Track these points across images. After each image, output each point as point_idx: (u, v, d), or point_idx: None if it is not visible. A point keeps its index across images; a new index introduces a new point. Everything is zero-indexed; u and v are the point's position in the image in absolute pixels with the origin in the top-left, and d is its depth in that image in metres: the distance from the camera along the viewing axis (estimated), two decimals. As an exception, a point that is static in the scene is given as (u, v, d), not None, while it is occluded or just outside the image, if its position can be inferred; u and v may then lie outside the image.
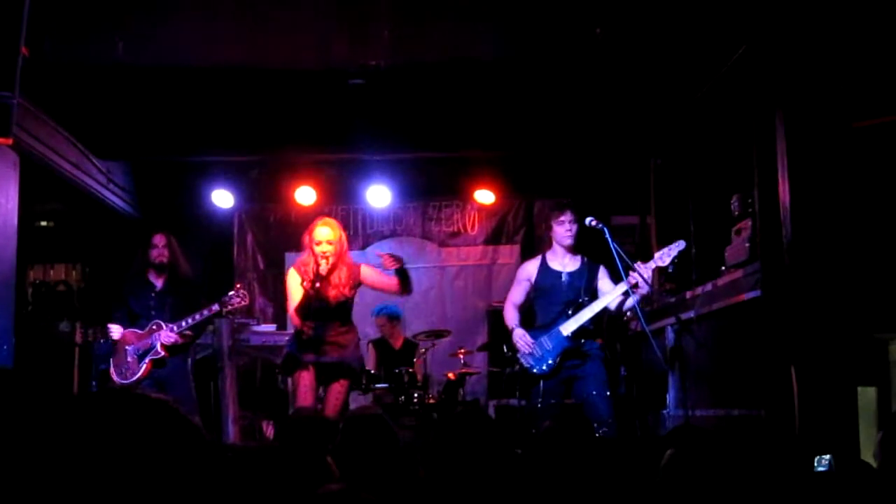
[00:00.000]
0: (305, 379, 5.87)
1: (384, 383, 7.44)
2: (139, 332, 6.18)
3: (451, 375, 7.94)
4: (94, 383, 7.32)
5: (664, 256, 5.96)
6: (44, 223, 9.17)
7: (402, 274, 5.86)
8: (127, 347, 6.15)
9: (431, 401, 7.62)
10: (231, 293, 6.05)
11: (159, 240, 6.28)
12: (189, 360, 6.52)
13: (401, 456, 3.28)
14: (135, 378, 6.08)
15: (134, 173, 8.78)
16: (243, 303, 6.10)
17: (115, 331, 6.20)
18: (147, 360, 6.10)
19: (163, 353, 6.10)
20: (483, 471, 2.93)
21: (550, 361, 5.92)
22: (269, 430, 8.07)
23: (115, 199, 8.35)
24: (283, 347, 6.60)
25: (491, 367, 8.66)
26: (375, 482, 3.03)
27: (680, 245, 5.97)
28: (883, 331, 4.89)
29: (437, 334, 8.16)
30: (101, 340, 7.32)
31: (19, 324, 6.65)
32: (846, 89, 4.97)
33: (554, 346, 5.93)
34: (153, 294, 6.28)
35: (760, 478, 3.04)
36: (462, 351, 8.06)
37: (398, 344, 8.29)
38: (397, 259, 5.81)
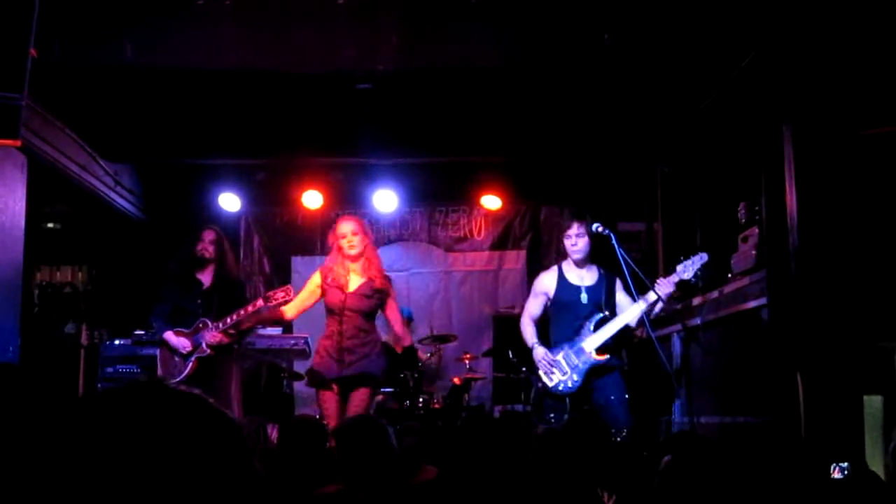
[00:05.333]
0: (330, 402, 5.82)
1: (389, 388, 7.42)
2: (184, 330, 6.08)
3: (456, 380, 7.94)
4: (99, 385, 7.30)
5: (687, 269, 5.75)
6: (51, 225, 9.18)
7: (408, 349, 6.12)
8: (173, 346, 6.08)
9: (436, 405, 7.61)
10: (275, 289, 6.00)
11: (207, 234, 6.19)
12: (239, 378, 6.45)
13: (396, 459, 3.27)
14: (182, 376, 6.01)
15: (141, 176, 8.80)
16: (287, 298, 5.99)
17: (163, 330, 6.13)
18: (193, 359, 6.03)
19: (209, 352, 6.05)
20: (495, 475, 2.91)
21: (576, 378, 5.70)
22: (273, 434, 8.06)
23: (122, 202, 8.37)
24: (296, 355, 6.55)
25: (496, 372, 8.66)
26: (372, 485, 3.02)
27: (703, 257, 5.76)
28: (889, 339, 4.87)
29: (442, 339, 8.15)
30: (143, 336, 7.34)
31: (25, 325, 6.64)
32: (854, 97, 4.96)
33: (580, 363, 5.72)
34: (200, 291, 6.19)
35: (764, 486, 3.02)
36: (467, 356, 8.06)
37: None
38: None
